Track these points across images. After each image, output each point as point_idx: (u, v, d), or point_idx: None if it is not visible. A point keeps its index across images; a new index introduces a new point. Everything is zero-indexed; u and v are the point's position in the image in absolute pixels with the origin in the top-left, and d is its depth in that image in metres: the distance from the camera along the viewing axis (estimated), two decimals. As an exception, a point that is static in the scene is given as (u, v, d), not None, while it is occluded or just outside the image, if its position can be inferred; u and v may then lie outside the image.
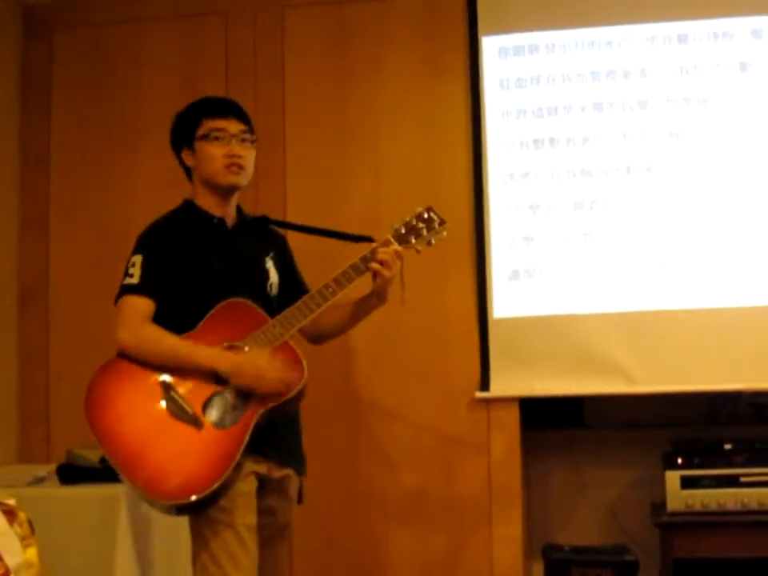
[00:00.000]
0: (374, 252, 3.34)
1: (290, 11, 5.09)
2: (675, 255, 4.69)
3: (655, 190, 4.73)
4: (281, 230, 3.67)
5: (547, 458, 5.07)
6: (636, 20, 4.79)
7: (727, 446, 4.57)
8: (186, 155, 3.40)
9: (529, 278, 4.80)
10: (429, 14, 4.98)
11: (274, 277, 3.45)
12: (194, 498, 3.00)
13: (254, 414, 3.12)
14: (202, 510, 3.08)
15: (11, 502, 2.91)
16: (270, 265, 3.45)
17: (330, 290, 3.28)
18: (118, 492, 3.73)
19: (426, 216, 3.47)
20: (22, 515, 2.92)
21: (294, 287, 3.53)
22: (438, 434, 4.81)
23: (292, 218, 4.78)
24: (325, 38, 5.06)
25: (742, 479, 4.43)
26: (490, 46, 4.91)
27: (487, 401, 4.77)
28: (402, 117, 4.97)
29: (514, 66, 4.90)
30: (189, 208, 3.41)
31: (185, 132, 3.40)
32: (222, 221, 3.38)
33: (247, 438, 3.08)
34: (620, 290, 4.72)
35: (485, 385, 4.78)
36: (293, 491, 3.39)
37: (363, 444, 4.86)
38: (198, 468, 3.05)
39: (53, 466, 4.17)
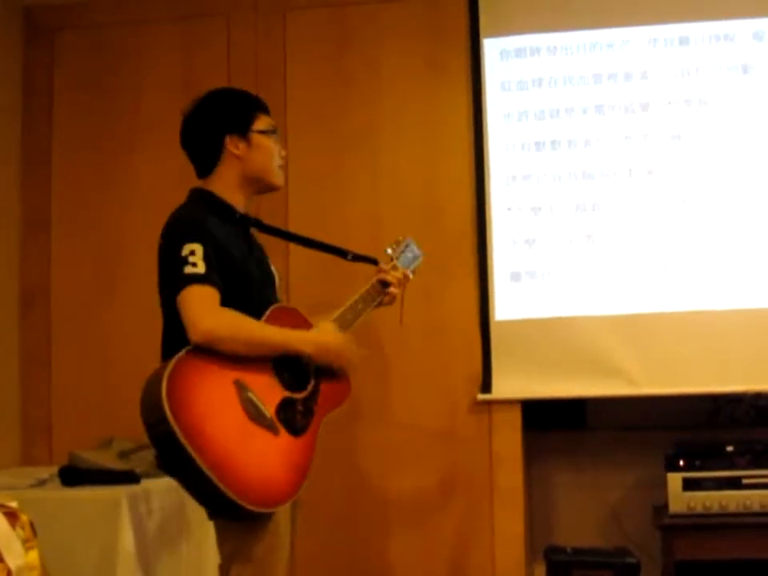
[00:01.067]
0: (390, 275, 3.47)
1: (291, 13, 5.10)
2: (677, 257, 4.69)
3: (657, 193, 4.73)
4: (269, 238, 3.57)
5: (549, 460, 5.07)
6: (637, 22, 4.79)
7: (729, 448, 4.57)
8: (233, 142, 3.22)
9: (531, 280, 4.80)
10: (430, 16, 4.98)
11: (277, 279, 3.41)
12: (275, 507, 2.93)
13: (320, 421, 3.10)
14: (261, 519, 2.95)
15: (13, 504, 2.91)
16: (273, 266, 3.42)
17: (363, 304, 3.37)
18: (120, 494, 3.73)
19: (411, 246, 3.66)
20: (24, 517, 2.92)
21: None
22: (439, 435, 4.81)
23: (293, 219, 4.81)
24: (326, 39, 5.06)
25: (744, 481, 4.43)
26: (492, 48, 4.91)
27: (489, 403, 4.77)
28: (403, 119, 4.97)
29: (516, 68, 4.90)
30: (210, 199, 3.23)
31: (238, 119, 3.25)
32: (243, 216, 3.27)
33: (315, 446, 3.06)
34: (622, 292, 4.72)
35: (486, 387, 4.78)
36: (302, 498, 3.27)
37: (364, 445, 4.86)
38: (281, 476, 2.95)
39: (55, 468, 4.17)
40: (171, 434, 2.78)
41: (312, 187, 4.97)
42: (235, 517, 2.94)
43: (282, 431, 2.98)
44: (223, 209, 3.22)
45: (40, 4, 5.23)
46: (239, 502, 2.82)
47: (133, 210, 5.02)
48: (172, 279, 3.03)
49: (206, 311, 2.96)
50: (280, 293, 3.42)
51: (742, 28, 4.72)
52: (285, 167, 3.38)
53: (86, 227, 5.13)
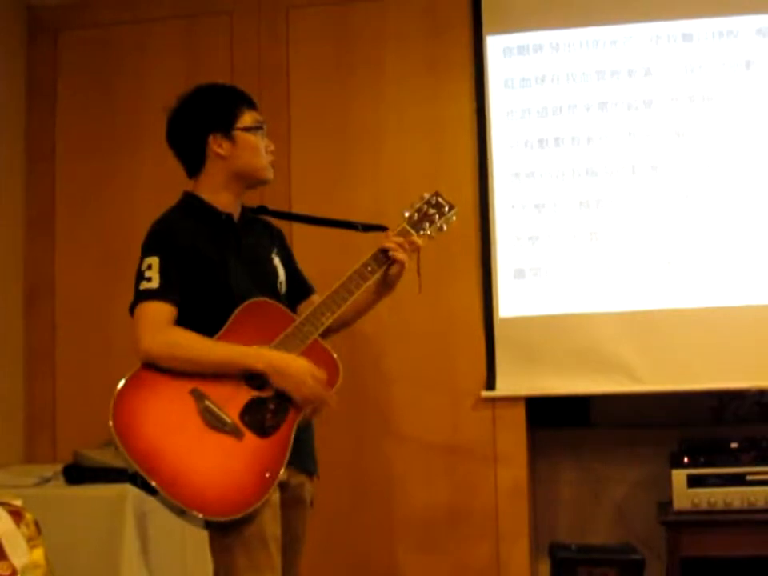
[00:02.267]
0: (391, 240, 3.26)
1: (294, 11, 5.10)
2: (681, 254, 4.68)
3: (660, 189, 4.72)
4: (278, 223, 3.52)
5: (553, 457, 5.07)
6: (640, 19, 4.79)
7: (733, 445, 4.57)
8: (215, 142, 3.18)
9: (534, 277, 4.80)
10: (433, 13, 4.98)
11: (282, 274, 3.31)
12: (244, 511, 2.85)
13: (295, 419, 2.99)
14: (237, 525, 2.90)
15: (17, 502, 2.92)
16: (277, 261, 3.32)
17: (354, 283, 3.16)
18: (124, 492, 3.74)
19: (434, 201, 3.42)
20: (28, 516, 2.93)
21: (296, 282, 3.41)
22: (444, 433, 4.81)
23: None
24: (329, 37, 5.06)
25: (749, 477, 4.43)
26: (495, 45, 4.91)
27: (493, 400, 4.77)
28: (406, 116, 4.97)
29: (519, 65, 4.89)
30: (194, 203, 3.22)
31: (221, 116, 3.19)
32: (229, 217, 3.22)
33: (290, 445, 2.95)
34: (626, 289, 4.71)
35: (491, 384, 4.78)
36: (307, 500, 3.24)
37: (368, 444, 4.86)
38: (242, 481, 2.89)
39: (59, 467, 4.18)
40: (124, 456, 2.84)
41: (315, 185, 4.97)
42: (209, 526, 2.94)
43: (248, 434, 2.92)
44: (205, 212, 3.20)
45: (43, 3, 5.23)
46: (201, 514, 2.82)
47: (136, 207, 5.02)
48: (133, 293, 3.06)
49: (147, 330, 2.96)
50: (284, 287, 3.34)
51: (745, 24, 4.72)
52: (274, 161, 3.29)
53: (90, 224, 5.14)
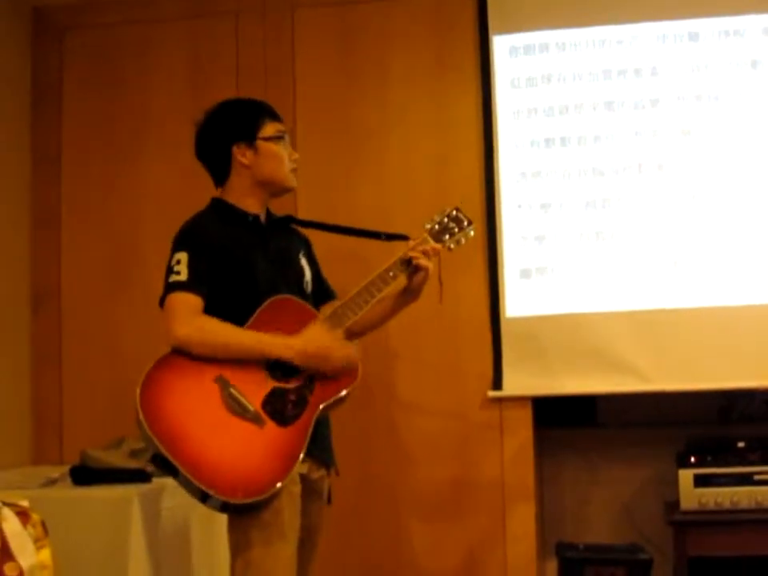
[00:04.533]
0: (414, 249, 3.37)
1: (300, 11, 5.10)
2: (687, 253, 4.68)
3: (667, 189, 4.72)
4: (305, 231, 3.63)
5: (560, 456, 5.07)
6: (647, 18, 4.78)
7: (740, 444, 4.57)
8: (240, 151, 3.30)
9: (541, 276, 4.80)
10: (439, 13, 4.98)
11: (308, 274, 3.44)
12: (261, 495, 2.95)
13: (315, 410, 3.10)
14: (255, 510, 3.00)
15: (24, 503, 2.91)
16: (303, 262, 3.45)
17: (376, 287, 3.29)
18: (131, 493, 3.73)
19: (455, 215, 3.53)
20: (35, 517, 2.92)
21: (320, 286, 3.54)
22: (451, 432, 4.81)
23: (303, 217, 4.79)
24: (335, 37, 5.06)
25: (756, 477, 4.43)
26: (501, 45, 4.91)
27: (500, 400, 4.77)
28: (412, 116, 4.97)
29: (525, 64, 4.89)
30: (222, 206, 3.34)
31: (244, 128, 3.32)
32: (257, 218, 3.34)
33: (309, 435, 3.05)
34: (632, 289, 4.71)
35: (497, 384, 4.78)
36: (325, 494, 3.36)
37: (376, 443, 4.86)
38: (261, 466, 2.99)
39: (66, 468, 4.17)
40: (148, 435, 2.94)
41: (321, 185, 4.97)
42: (227, 509, 3.03)
43: (269, 422, 3.03)
44: (233, 214, 3.31)
45: (49, 4, 5.23)
46: (216, 495, 2.91)
47: (142, 209, 5.04)
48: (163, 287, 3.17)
49: (179, 317, 3.08)
50: (311, 286, 3.46)
51: (751, 23, 4.71)
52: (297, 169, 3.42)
53: (96, 226, 5.14)
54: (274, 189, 3.38)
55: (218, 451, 2.96)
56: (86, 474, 4.02)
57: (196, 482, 2.91)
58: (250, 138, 3.30)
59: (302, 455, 3.03)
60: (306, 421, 3.07)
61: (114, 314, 5.00)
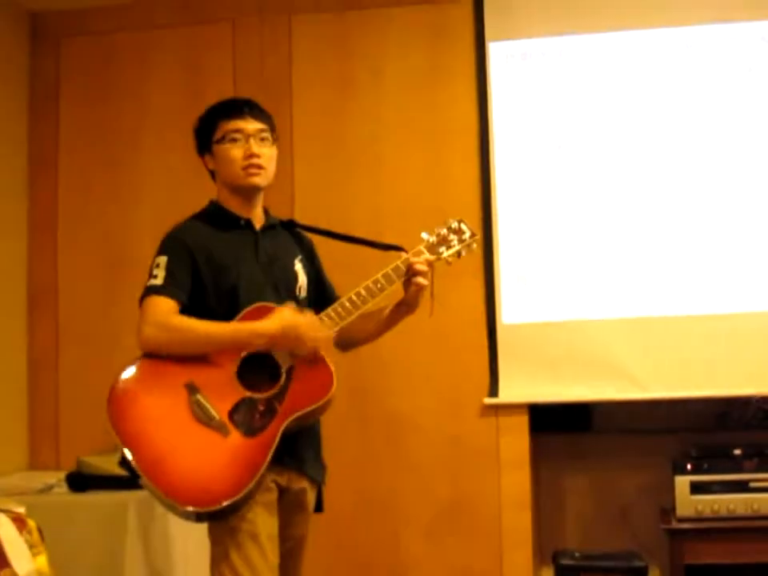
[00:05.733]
0: (406, 262, 3.29)
1: (297, 18, 5.10)
2: (684, 260, 4.68)
3: (664, 196, 4.72)
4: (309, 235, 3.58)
5: (557, 463, 5.07)
6: (643, 26, 4.79)
7: (737, 452, 4.57)
8: (207, 160, 3.30)
9: (537, 283, 4.80)
10: (435, 20, 4.98)
11: (302, 279, 3.36)
12: (217, 506, 2.90)
13: (282, 421, 3.03)
14: (223, 519, 2.97)
15: (21, 509, 2.92)
16: (298, 267, 3.36)
17: (361, 298, 3.22)
18: (127, 500, 3.74)
19: (456, 227, 3.45)
20: (31, 523, 2.93)
21: (323, 293, 3.46)
22: (447, 440, 4.81)
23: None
24: (331, 44, 5.07)
25: (752, 484, 4.43)
26: (497, 52, 4.91)
27: (496, 407, 4.77)
28: (408, 122, 4.97)
29: (521, 72, 4.89)
30: (215, 209, 3.32)
31: (204, 137, 3.32)
32: (249, 222, 3.30)
33: (274, 447, 2.98)
34: (629, 296, 4.71)
35: (494, 391, 4.78)
36: (309, 505, 3.28)
37: (372, 450, 4.86)
38: (223, 476, 2.95)
39: (62, 474, 4.18)
40: (114, 437, 2.94)
41: (317, 191, 4.98)
42: (187, 518, 2.99)
43: (234, 432, 2.98)
44: (225, 217, 3.29)
45: (46, 11, 5.24)
46: (173, 500, 2.89)
47: (138, 213, 5.04)
48: None
49: (148, 320, 3.06)
50: (304, 292, 3.38)
51: (748, 31, 4.72)
52: (260, 164, 3.25)
53: (93, 229, 5.14)
54: (239, 190, 3.29)
55: (176, 457, 2.94)
56: (82, 481, 4.03)
57: (153, 487, 2.90)
58: (209, 145, 3.30)
59: (264, 466, 2.96)
60: (273, 432, 3.01)
61: (110, 318, 5.00)
